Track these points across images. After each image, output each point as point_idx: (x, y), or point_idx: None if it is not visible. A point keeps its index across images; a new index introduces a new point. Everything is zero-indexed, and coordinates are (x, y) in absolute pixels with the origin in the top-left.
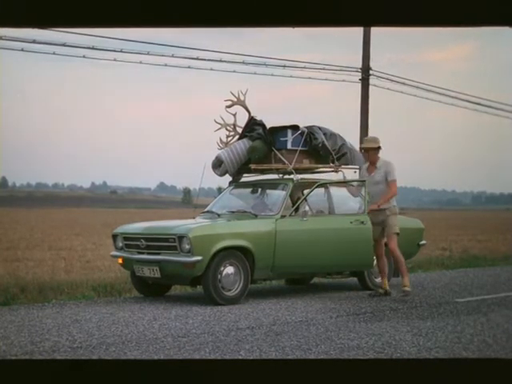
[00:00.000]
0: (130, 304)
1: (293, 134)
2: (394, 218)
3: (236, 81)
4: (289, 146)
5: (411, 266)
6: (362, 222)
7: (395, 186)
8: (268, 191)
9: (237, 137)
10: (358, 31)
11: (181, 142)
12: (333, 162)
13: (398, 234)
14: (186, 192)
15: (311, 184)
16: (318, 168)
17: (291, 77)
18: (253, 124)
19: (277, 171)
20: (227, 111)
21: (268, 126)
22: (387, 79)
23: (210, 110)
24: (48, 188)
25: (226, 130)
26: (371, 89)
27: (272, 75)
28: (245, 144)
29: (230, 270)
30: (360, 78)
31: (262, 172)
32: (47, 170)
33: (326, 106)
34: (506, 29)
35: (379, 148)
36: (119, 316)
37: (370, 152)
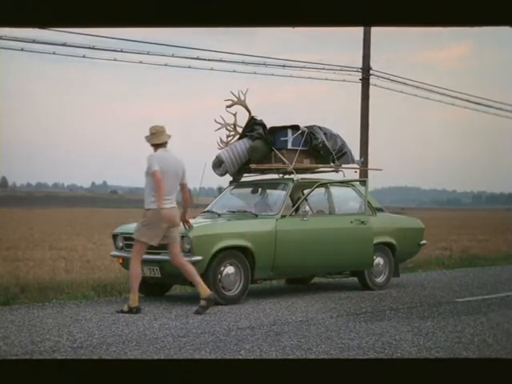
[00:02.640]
0: None
1: (293, 134)
2: (148, 220)
3: (236, 81)
4: (289, 146)
5: (412, 266)
6: (363, 222)
7: (155, 178)
8: (268, 191)
9: (237, 136)
10: (358, 31)
11: (181, 142)
12: (333, 162)
13: (142, 242)
14: None
15: (311, 184)
16: (318, 168)
17: (291, 77)
18: (253, 124)
19: (277, 171)
20: (227, 111)
21: (268, 125)
22: (387, 79)
23: (210, 109)
24: (48, 188)
25: (227, 129)
26: (371, 89)
27: (272, 75)
28: (245, 144)
29: (230, 269)
30: (360, 77)
31: (263, 172)
32: (47, 170)
33: (326, 106)
34: (506, 29)
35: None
36: (119, 316)
37: None
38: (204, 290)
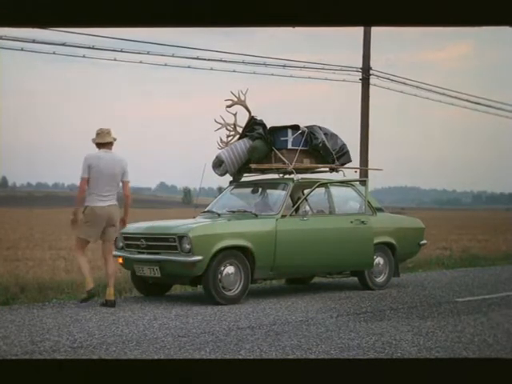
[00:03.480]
0: (131, 304)
1: (293, 134)
2: (86, 218)
3: (236, 81)
4: (289, 146)
5: (411, 266)
6: (363, 222)
7: (80, 183)
8: (268, 191)
9: (237, 136)
10: (358, 31)
11: (181, 142)
12: (333, 162)
13: (81, 238)
14: (186, 192)
15: (311, 184)
16: (318, 168)
17: (291, 76)
18: (253, 124)
19: (277, 171)
20: (227, 111)
21: (268, 125)
22: (387, 79)
23: (210, 109)
24: (48, 188)
25: (227, 129)
26: (371, 89)
27: (272, 75)
28: (245, 144)
29: (230, 269)
30: (360, 77)
31: (263, 172)
32: (47, 170)
33: (326, 106)
34: (506, 28)
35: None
36: (119, 316)
37: None
38: (110, 293)
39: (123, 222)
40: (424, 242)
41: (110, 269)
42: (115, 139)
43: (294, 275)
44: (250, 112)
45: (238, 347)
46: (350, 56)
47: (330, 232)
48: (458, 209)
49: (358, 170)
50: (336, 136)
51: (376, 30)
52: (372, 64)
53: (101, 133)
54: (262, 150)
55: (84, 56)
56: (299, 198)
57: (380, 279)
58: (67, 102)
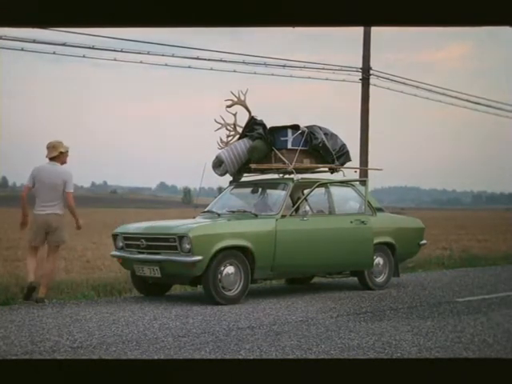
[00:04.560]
0: (131, 304)
1: (293, 134)
2: (30, 223)
3: (236, 80)
4: (289, 146)
5: (411, 266)
6: (363, 222)
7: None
8: (268, 191)
9: (237, 136)
10: (358, 31)
11: (181, 142)
12: (333, 162)
13: (28, 241)
14: (186, 192)
15: (311, 184)
16: (318, 168)
17: (291, 77)
18: (253, 124)
19: (277, 171)
20: (227, 111)
21: (268, 125)
22: (387, 79)
23: (210, 109)
24: None
25: (227, 129)
26: (371, 88)
27: (272, 75)
28: (245, 144)
29: (230, 269)
30: (360, 77)
31: (263, 172)
32: None
33: (326, 106)
34: (506, 28)
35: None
36: (119, 316)
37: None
38: (41, 292)
39: (78, 227)
40: (424, 242)
41: (45, 269)
42: (62, 152)
43: (294, 275)
44: (249, 112)
45: (238, 347)
46: (350, 56)
47: (330, 232)
48: (458, 209)
49: (358, 170)
50: (336, 136)
51: (376, 30)
52: (372, 64)
53: (48, 147)
54: (262, 149)
55: (84, 56)
56: (299, 198)
57: (380, 279)
58: (67, 102)
